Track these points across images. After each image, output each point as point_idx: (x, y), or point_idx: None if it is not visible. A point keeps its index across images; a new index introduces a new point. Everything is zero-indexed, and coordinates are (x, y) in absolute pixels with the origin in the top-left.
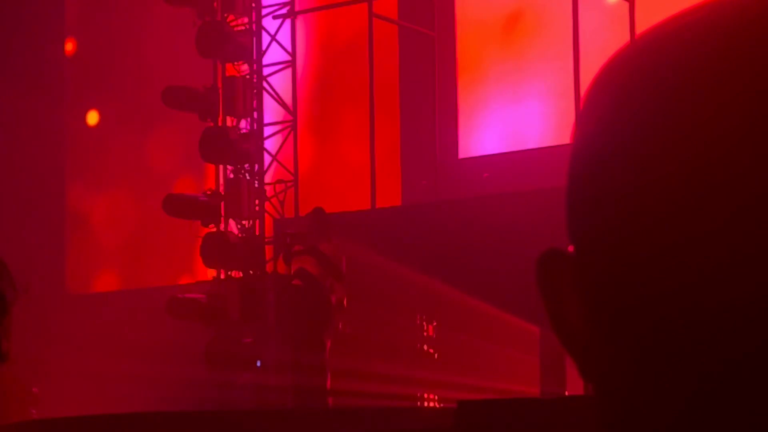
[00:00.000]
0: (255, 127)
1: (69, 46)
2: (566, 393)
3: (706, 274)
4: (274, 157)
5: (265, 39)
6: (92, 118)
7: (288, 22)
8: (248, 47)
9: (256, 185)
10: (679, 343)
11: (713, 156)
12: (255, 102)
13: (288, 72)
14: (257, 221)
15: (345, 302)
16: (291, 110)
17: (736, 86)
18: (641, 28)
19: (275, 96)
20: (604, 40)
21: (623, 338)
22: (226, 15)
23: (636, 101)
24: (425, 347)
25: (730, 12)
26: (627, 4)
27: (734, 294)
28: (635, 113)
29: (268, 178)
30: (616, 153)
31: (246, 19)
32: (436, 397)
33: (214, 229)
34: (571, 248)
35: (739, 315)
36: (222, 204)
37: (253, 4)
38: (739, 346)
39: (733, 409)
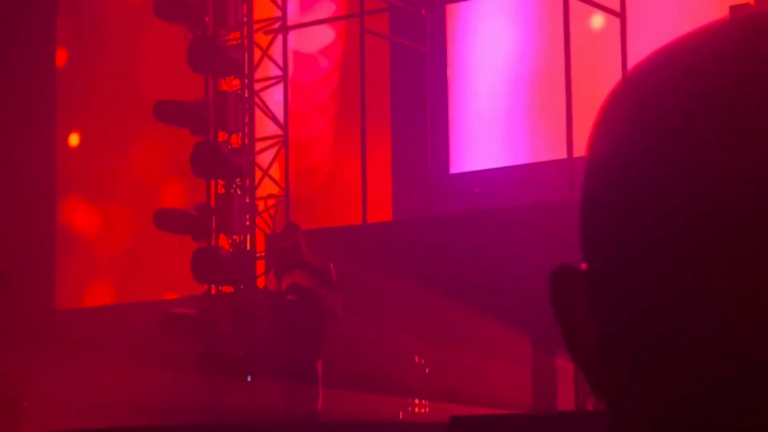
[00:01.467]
0: (246, 142)
1: (60, 58)
2: (557, 409)
3: (725, 294)
4: (265, 172)
5: (257, 54)
6: (73, 139)
7: (280, 37)
8: (240, 62)
9: (247, 200)
10: (695, 364)
11: (737, 173)
12: (246, 117)
13: (279, 87)
14: (248, 236)
15: (339, 310)
16: (282, 125)
17: (762, 102)
18: (632, 42)
19: (267, 111)
20: (595, 56)
21: (637, 357)
22: (217, 30)
23: (657, 117)
24: (416, 361)
25: (747, 27)
26: (617, 20)
27: (753, 315)
28: (656, 129)
29: (259, 193)
30: (636, 170)
31: (238, 34)
32: (427, 404)
33: (205, 244)
34: (584, 265)
35: (758, 337)
36: (213, 219)
37: (245, 19)
38: (758, 368)
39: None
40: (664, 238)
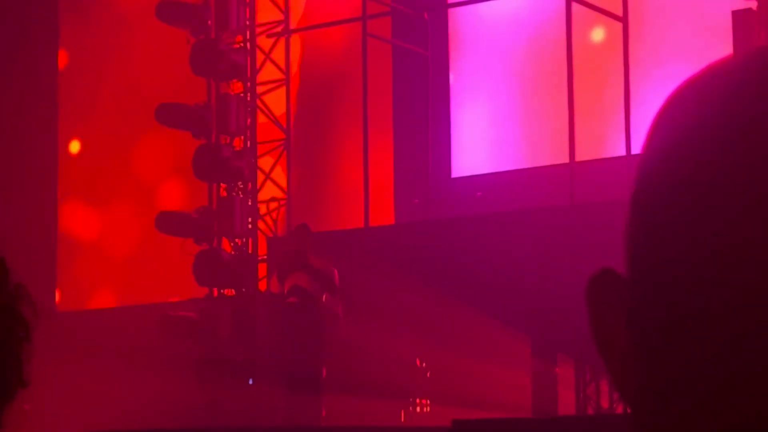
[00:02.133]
0: (248, 145)
1: (62, 60)
2: (558, 413)
3: None
4: (267, 176)
5: (260, 57)
6: (74, 146)
7: (282, 40)
8: (242, 65)
9: (249, 203)
10: (729, 380)
11: None
12: (249, 120)
13: (282, 90)
14: (250, 239)
15: (341, 313)
16: (284, 128)
17: None
18: (634, 46)
19: (269, 114)
20: (597, 60)
21: (671, 367)
22: (220, 33)
23: (712, 127)
24: (417, 365)
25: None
26: (619, 24)
27: None
28: (712, 140)
29: (261, 196)
30: (691, 180)
31: (240, 38)
32: (428, 403)
33: (207, 247)
34: (624, 272)
35: None
36: (215, 222)
37: (248, 23)
38: None
39: None
40: (715, 252)
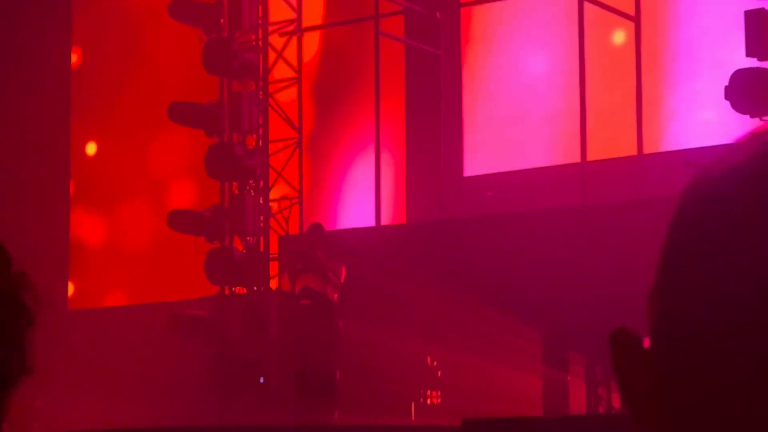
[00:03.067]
0: (260, 144)
1: (74, 58)
2: (569, 413)
3: None
4: (279, 174)
5: (272, 56)
6: (91, 148)
7: (295, 38)
8: (254, 64)
9: (261, 201)
10: None
11: None
12: (261, 118)
13: (294, 88)
14: (262, 238)
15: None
16: (296, 127)
17: None
18: (646, 46)
19: (281, 112)
20: (609, 60)
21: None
22: (233, 32)
23: (730, 219)
24: (428, 364)
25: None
26: (631, 26)
27: None
28: (734, 236)
29: (272, 195)
30: (719, 267)
31: (253, 36)
32: (439, 394)
33: (219, 246)
34: (646, 342)
35: None
36: (227, 220)
37: (260, 21)
38: None
39: None
40: (736, 327)
